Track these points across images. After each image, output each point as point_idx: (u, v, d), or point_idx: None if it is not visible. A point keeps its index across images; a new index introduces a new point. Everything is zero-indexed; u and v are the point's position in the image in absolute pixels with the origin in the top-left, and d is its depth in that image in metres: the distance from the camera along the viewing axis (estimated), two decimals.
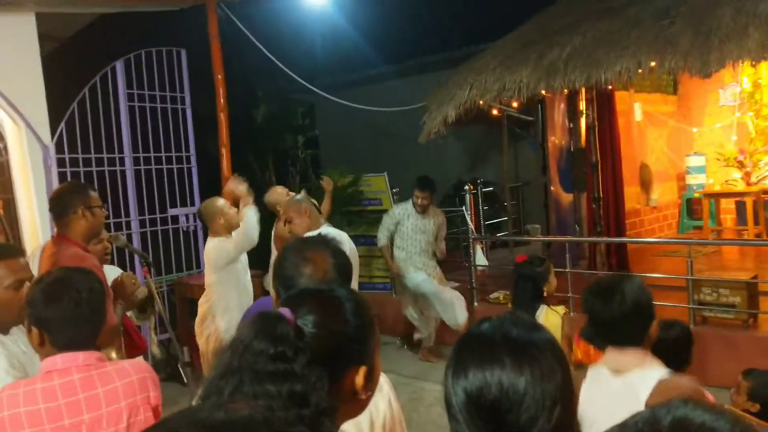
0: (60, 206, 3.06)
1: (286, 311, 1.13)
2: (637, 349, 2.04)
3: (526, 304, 3.55)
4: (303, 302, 1.20)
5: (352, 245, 4.92)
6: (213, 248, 4.58)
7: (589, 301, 2.13)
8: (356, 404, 1.22)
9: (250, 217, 4.52)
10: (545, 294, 3.60)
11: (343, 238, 4.44)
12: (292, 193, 5.06)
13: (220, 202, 4.70)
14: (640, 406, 1.72)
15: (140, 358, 2.80)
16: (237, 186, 4.75)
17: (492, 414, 1.07)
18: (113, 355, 2.73)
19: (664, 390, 1.80)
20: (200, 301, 4.77)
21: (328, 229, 4.39)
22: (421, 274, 6.22)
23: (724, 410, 0.74)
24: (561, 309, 3.67)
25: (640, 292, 2.12)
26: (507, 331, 1.14)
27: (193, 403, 1.14)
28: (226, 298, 4.54)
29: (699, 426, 0.72)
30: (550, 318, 3.46)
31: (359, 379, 1.19)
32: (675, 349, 2.73)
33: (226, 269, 4.56)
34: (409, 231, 6.23)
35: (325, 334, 1.15)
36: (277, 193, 5.43)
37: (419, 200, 6.13)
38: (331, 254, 1.81)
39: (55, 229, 3.14)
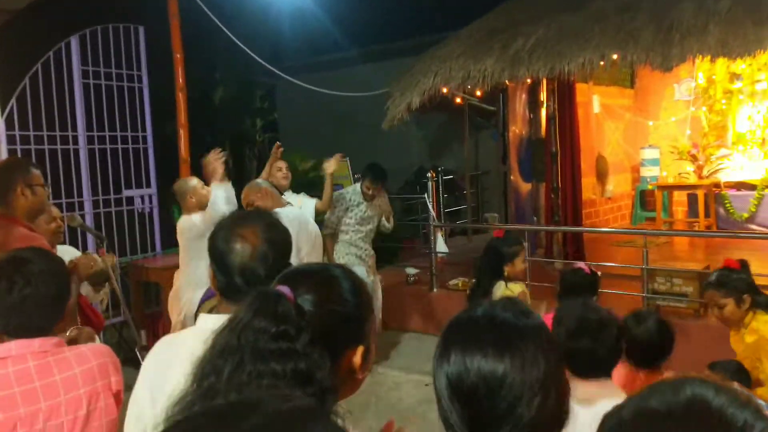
0: None
1: (285, 289, 1.11)
2: (606, 380, 2.02)
3: (486, 276, 3.63)
4: (301, 281, 1.18)
5: (314, 227, 4.87)
6: (182, 224, 4.61)
7: (565, 336, 2.05)
8: (352, 384, 1.22)
9: (216, 190, 4.49)
10: (506, 274, 3.66)
11: (296, 215, 4.42)
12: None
13: (193, 181, 4.74)
14: None
15: (99, 342, 2.71)
16: (214, 162, 4.72)
17: (470, 399, 1.07)
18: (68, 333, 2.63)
19: None
20: (174, 277, 4.79)
21: (287, 209, 4.36)
22: (360, 268, 5.87)
23: (746, 396, 0.73)
24: (518, 287, 3.73)
25: (614, 326, 2.10)
26: (494, 316, 1.13)
27: (139, 390, 1.10)
28: (199, 272, 4.51)
29: (716, 410, 0.71)
30: (504, 294, 3.51)
31: (357, 358, 1.19)
32: (649, 345, 2.63)
33: (198, 244, 4.53)
34: (357, 218, 5.93)
35: (324, 313, 1.14)
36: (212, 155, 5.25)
37: (370, 191, 5.82)
38: (264, 228, 1.69)
39: None
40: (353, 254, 5.97)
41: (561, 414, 1.10)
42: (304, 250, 4.41)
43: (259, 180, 4.88)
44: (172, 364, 1.43)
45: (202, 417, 0.72)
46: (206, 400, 1.03)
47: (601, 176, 9.79)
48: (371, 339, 1.24)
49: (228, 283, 1.62)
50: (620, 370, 2.46)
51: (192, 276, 4.56)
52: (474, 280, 4.01)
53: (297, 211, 4.57)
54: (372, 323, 1.25)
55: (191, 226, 4.55)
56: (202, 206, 4.65)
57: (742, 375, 2.95)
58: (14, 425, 1.74)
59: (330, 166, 5.59)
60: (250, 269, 1.59)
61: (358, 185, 6.00)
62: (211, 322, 1.37)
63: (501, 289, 3.61)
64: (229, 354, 1.05)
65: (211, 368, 1.06)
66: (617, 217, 10.14)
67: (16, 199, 2.85)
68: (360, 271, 5.90)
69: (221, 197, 4.52)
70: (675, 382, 0.76)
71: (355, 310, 1.20)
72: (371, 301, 1.27)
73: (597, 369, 2.01)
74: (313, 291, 1.16)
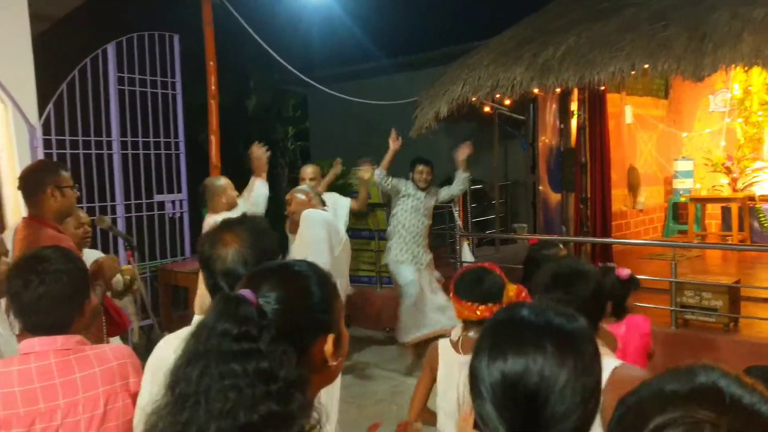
0: (29, 185, 2.97)
1: (246, 292, 1.14)
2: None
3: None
4: (264, 280, 1.21)
5: (344, 231, 4.90)
6: (208, 224, 4.63)
7: (542, 291, 2.10)
8: (328, 372, 1.25)
9: (258, 187, 4.54)
10: None
11: (328, 218, 4.46)
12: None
13: (222, 181, 4.76)
14: None
15: (119, 342, 2.76)
16: (260, 154, 4.82)
17: (528, 401, 1.06)
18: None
19: (618, 379, 1.78)
20: (199, 279, 4.82)
21: (318, 212, 4.41)
22: (410, 271, 6.07)
23: (759, 386, 0.76)
24: None
25: (599, 279, 2.14)
26: (550, 318, 1.13)
27: (156, 390, 1.15)
28: None
29: (730, 396, 0.74)
30: None
31: (328, 347, 1.22)
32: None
33: None
34: (414, 208, 6.13)
35: (288, 309, 1.17)
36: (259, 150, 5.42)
37: (423, 174, 6.12)
38: (249, 234, 1.72)
39: (27, 210, 3.04)
40: (406, 255, 6.11)
41: (593, 421, 1.10)
42: (337, 250, 4.44)
43: (305, 186, 5.02)
44: (169, 362, 1.46)
45: None
46: (178, 407, 1.07)
47: (633, 188, 9.65)
48: (341, 325, 1.28)
49: (214, 285, 1.70)
50: None
51: None
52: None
53: (328, 215, 4.61)
54: (339, 311, 1.28)
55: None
56: (231, 207, 4.69)
57: None
58: (33, 420, 1.78)
59: (365, 172, 5.97)
60: (232, 272, 1.65)
61: (409, 182, 6.23)
62: None
63: None
64: (196, 359, 1.08)
65: (181, 375, 1.09)
66: (649, 230, 9.98)
67: (46, 200, 2.90)
68: (409, 276, 6.01)
69: (264, 195, 4.62)
70: (692, 368, 0.79)
71: (321, 301, 1.23)
72: (336, 289, 1.29)
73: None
74: (277, 288, 1.19)
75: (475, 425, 1.13)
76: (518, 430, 1.06)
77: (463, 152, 6.34)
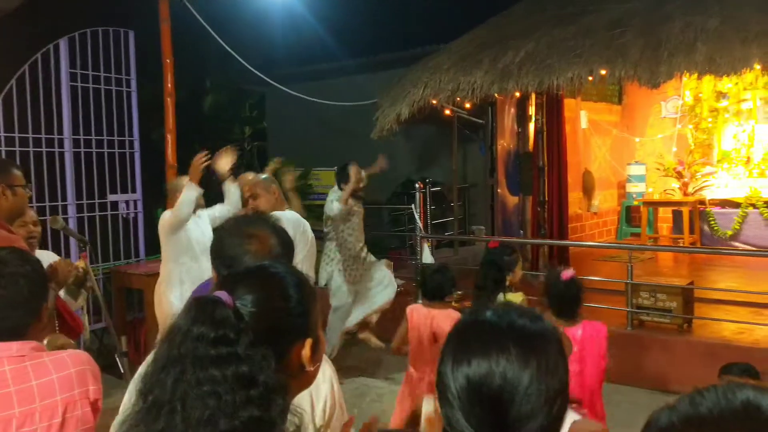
0: None
1: (222, 294, 1.11)
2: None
3: (488, 289, 3.64)
4: (240, 282, 1.18)
5: (311, 232, 4.85)
6: (161, 219, 4.60)
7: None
8: (305, 377, 1.23)
9: (186, 191, 4.47)
10: (508, 283, 3.70)
11: (296, 218, 4.42)
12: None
13: (185, 180, 4.71)
14: None
15: (77, 349, 2.65)
16: (224, 160, 4.75)
17: (493, 404, 1.04)
18: (45, 341, 2.59)
19: None
20: (157, 283, 4.83)
21: (287, 213, 4.36)
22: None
23: None
24: (519, 296, 3.75)
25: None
26: (513, 320, 1.11)
27: (127, 398, 1.10)
28: (175, 271, 4.51)
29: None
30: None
31: (306, 351, 1.19)
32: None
33: (173, 241, 4.52)
34: (359, 222, 5.91)
35: (265, 312, 1.14)
36: (248, 180, 5.25)
37: (362, 183, 5.78)
38: (273, 230, 1.77)
39: None
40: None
41: (562, 421, 1.09)
42: (300, 255, 4.40)
43: (266, 176, 4.85)
44: None
45: None
46: (151, 416, 1.03)
47: (588, 191, 9.85)
48: (318, 330, 1.25)
49: None
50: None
51: (170, 276, 4.61)
52: (476, 293, 3.98)
53: (296, 215, 4.55)
54: (317, 315, 1.25)
55: (163, 220, 4.59)
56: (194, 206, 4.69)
57: (752, 374, 3.02)
58: None
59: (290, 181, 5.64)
60: None
61: (338, 192, 5.83)
62: None
63: (504, 300, 3.61)
64: (171, 365, 1.04)
65: (155, 381, 1.05)
66: (603, 233, 10.19)
67: None
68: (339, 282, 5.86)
69: (238, 195, 4.58)
70: (726, 388, 0.76)
71: (299, 305, 1.20)
72: (315, 293, 1.27)
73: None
74: (254, 291, 1.16)
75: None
76: None
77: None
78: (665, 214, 9.67)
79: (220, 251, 1.74)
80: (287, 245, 1.78)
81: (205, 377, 1.02)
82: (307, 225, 4.61)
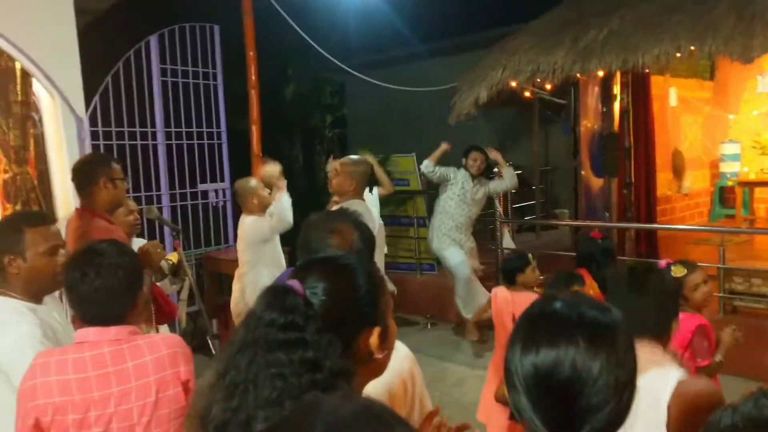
0: (82, 177, 3.08)
1: (294, 283, 1.17)
2: (656, 344, 1.88)
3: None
4: (311, 271, 1.23)
5: (380, 221, 4.94)
6: (249, 226, 4.72)
7: (614, 290, 2.09)
8: (375, 365, 1.26)
9: (284, 201, 4.60)
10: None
11: (368, 212, 4.48)
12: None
13: (253, 182, 4.88)
14: (661, 410, 1.68)
15: (167, 331, 2.81)
16: (271, 170, 4.88)
17: (562, 393, 1.07)
18: (143, 326, 2.75)
19: (684, 393, 1.70)
20: (234, 281, 4.93)
21: (355, 203, 4.42)
22: (458, 253, 6.23)
23: None
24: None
25: (667, 282, 2.12)
26: (583, 311, 1.13)
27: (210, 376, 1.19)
28: (259, 276, 4.64)
29: None
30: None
31: (374, 339, 1.22)
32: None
33: (260, 247, 4.68)
34: (460, 197, 6.28)
35: (335, 300, 1.19)
36: (266, 171, 5.24)
37: (477, 162, 6.27)
38: (355, 226, 1.84)
39: (78, 201, 3.14)
40: (451, 240, 6.26)
41: (629, 411, 1.10)
42: (382, 250, 4.50)
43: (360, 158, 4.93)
44: None
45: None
46: (227, 392, 1.10)
47: (678, 172, 9.44)
48: (387, 319, 1.28)
49: None
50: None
51: (252, 280, 4.69)
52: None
53: (366, 205, 4.63)
54: (385, 304, 1.28)
55: (258, 230, 4.68)
56: (263, 207, 4.81)
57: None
58: (87, 407, 1.83)
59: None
60: None
61: (460, 170, 6.40)
62: None
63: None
64: (245, 348, 1.12)
65: (231, 362, 1.12)
66: (694, 215, 9.75)
67: (98, 192, 3.02)
68: (457, 258, 6.21)
69: (289, 208, 4.68)
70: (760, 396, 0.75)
71: (367, 294, 1.24)
72: (383, 283, 1.30)
73: (652, 330, 1.89)
74: (325, 279, 1.20)
75: (511, 416, 1.14)
76: (552, 422, 1.07)
77: (495, 155, 6.58)
78: (762, 194, 9.14)
79: (304, 244, 1.83)
80: (368, 241, 1.84)
81: (273, 360, 1.08)
82: (376, 214, 4.70)
